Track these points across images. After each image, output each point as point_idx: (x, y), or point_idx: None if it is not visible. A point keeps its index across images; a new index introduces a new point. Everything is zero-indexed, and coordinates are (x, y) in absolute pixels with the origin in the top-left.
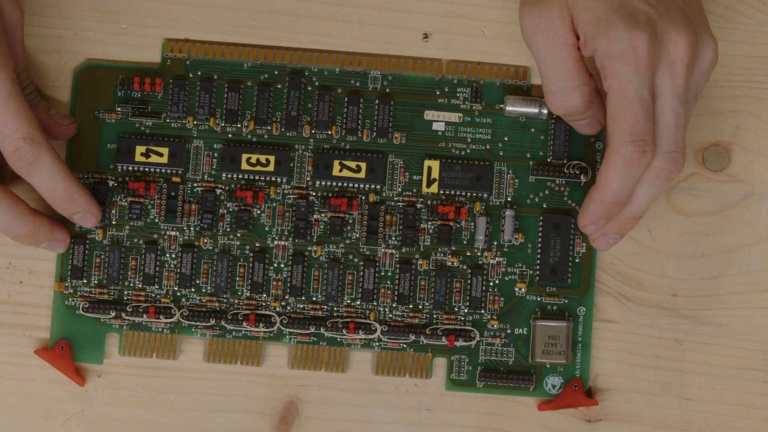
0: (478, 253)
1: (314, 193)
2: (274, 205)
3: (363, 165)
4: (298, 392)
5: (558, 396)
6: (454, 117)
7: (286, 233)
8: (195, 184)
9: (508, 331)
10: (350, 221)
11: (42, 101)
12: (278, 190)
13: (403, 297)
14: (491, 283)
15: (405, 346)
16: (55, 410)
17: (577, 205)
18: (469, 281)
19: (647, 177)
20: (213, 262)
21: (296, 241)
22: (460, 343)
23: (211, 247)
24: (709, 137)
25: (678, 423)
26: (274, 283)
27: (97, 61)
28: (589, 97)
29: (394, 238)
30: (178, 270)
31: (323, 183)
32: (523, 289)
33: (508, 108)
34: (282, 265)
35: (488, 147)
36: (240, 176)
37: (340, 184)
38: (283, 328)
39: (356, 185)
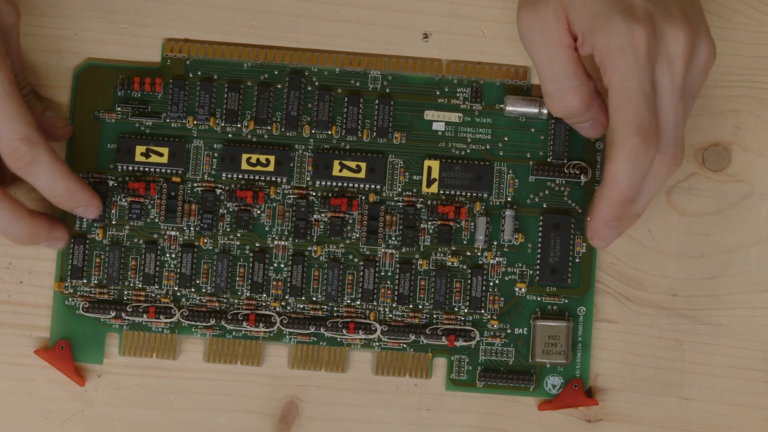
0: (478, 253)
1: (314, 193)
2: (274, 205)
3: (363, 165)
4: (298, 392)
5: (558, 396)
6: (454, 117)
7: (286, 233)
8: (195, 184)
9: (508, 331)
10: (350, 221)
11: (38, 103)
12: (278, 190)
13: (403, 297)
14: (491, 283)
15: (405, 346)
16: (55, 410)
17: (578, 205)
18: (469, 281)
19: (648, 173)
20: (213, 262)
21: (296, 241)
22: (460, 343)
23: (211, 247)
24: (708, 137)
25: (678, 423)
26: (274, 283)
27: (97, 61)
28: (588, 98)
29: (394, 238)
30: (178, 270)
31: (323, 183)
32: (523, 289)
33: (508, 108)
34: (282, 265)
35: (488, 147)
36: (240, 176)
37: (340, 184)
38: (283, 328)
39: (356, 185)
